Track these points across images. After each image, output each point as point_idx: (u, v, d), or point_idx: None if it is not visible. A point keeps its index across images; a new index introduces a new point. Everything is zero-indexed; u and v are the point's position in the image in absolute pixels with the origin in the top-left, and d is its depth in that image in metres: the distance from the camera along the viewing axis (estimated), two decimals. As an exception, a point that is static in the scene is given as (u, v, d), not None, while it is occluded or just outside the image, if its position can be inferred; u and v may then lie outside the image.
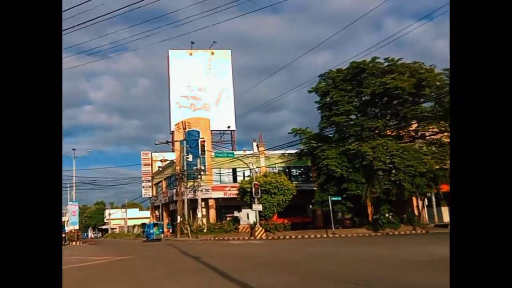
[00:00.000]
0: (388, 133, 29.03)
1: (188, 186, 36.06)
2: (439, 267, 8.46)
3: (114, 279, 9.64)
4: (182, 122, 39.11)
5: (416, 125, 29.23)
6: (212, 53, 49.19)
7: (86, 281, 9.52)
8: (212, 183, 37.63)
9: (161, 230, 36.41)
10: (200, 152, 34.41)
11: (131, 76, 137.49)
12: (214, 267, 10.25)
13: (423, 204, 31.21)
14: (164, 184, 46.95)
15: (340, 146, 27.85)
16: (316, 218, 37.92)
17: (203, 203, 36.56)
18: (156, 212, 51.51)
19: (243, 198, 31.03)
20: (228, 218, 35.84)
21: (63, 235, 37.43)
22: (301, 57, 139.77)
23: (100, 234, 79.57)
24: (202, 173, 35.85)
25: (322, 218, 34.82)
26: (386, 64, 28.49)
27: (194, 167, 35.24)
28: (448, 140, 23.56)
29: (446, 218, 29.73)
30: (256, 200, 28.21)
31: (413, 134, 30.17)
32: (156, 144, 38.73)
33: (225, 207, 37.74)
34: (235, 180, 38.06)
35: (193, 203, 36.30)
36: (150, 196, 52.38)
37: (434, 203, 32.01)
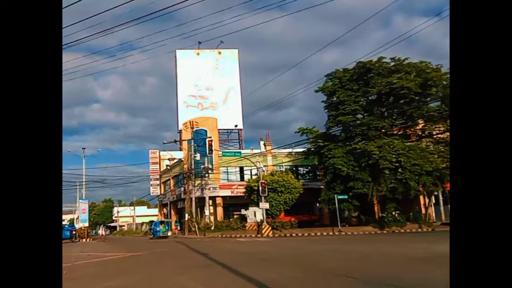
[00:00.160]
0: (395, 132, 29.20)
1: (196, 184, 36.51)
2: (434, 263, 8.84)
3: (129, 272, 10.11)
4: (190, 122, 39.55)
5: (422, 124, 29.37)
6: (219, 53, 49.54)
7: (103, 274, 10.03)
8: (219, 181, 38.08)
9: (167, 227, 36.96)
10: (207, 151, 34.83)
11: (139, 75, 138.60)
12: (221, 262, 10.65)
13: (429, 202, 31.30)
14: (172, 182, 47.50)
15: (346, 145, 28.07)
16: (323, 216, 38.18)
17: (210, 201, 36.99)
18: (164, 210, 52.14)
19: (250, 197, 31.43)
20: (235, 216, 36.26)
21: (74, 232, 38.15)
22: (310, 56, 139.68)
23: (108, 231, 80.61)
24: (209, 171, 36.26)
25: (329, 216, 35.06)
26: (392, 63, 28.59)
27: (202, 166, 35.66)
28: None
29: (453, 216, 29.75)
30: (263, 198, 28.55)
31: (420, 133, 30.28)
32: (164, 143, 39.31)
33: (233, 205, 38.17)
34: (242, 178, 38.45)
35: (200, 201, 36.75)
36: (158, 194, 53.03)
37: (441, 201, 32.11)
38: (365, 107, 29.90)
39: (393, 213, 28.42)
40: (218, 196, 37.89)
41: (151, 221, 47.95)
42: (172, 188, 47.04)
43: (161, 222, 37.85)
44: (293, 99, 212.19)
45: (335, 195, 27.53)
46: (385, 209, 28.86)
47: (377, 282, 6.91)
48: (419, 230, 26.60)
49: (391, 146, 25.85)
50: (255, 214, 31.18)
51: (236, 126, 47.57)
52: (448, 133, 27.81)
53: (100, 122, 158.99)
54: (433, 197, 31.47)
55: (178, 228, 41.29)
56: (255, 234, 28.43)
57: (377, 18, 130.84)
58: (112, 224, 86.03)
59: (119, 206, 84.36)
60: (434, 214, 31.87)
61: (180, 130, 44.08)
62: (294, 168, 39.35)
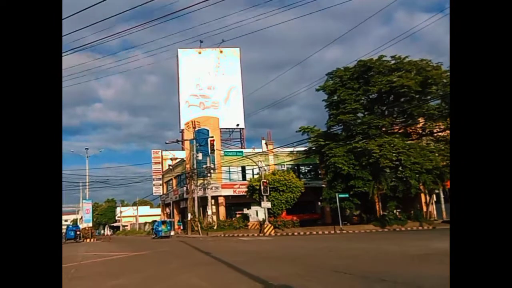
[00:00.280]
0: (396, 130, 29.39)
1: (198, 184, 36.78)
2: (430, 259, 9.12)
3: (135, 271, 10.39)
4: (192, 121, 39.80)
5: (423, 122, 29.55)
6: (221, 52, 49.69)
7: (111, 272, 10.33)
8: (221, 181, 38.35)
9: (169, 227, 37.29)
10: (209, 150, 35.09)
11: (140, 74, 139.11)
12: (224, 260, 10.91)
13: (430, 200, 31.50)
14: (174, 182, 47.79)
15: (347, 144, 28.29)
16: (325, 215, 38.41)
17: (213, 200, 37.26)
18: (167, 209, 52.45)
19: (252, 196, 31.69)
20: (237, 215, 36.52)
21: (78, 232, 38.50)
22: (312, 55, 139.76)
23: (111, 231, 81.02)
24: (211, 171, 36.52)
25: (330, 214, 35.29)
26: (393, 62, 28.79)
27: (204, 165, 35.92)
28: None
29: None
30: (265, 197, 28.80)
31: (420, 131, 30.45)
32: (166, 143, 39.61)
33: (235, 204, 38.44)
34: (244, 178, 38.70)
35: (203, 201, 37.03)
36: (161, 194, 53.34)
37: (442, 199, 32.31)
38: (366, 105, 30.10)
39: (394, 211, 28.64)
40: (220, 196, 38.17)
41: (154, 221, 48.29)
42: (174, 187, 47.34)
43: (163, 222, 38.24)
44: (295, 97, 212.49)
45: (336, 194, 27.76)
46: (386, 207, 29.08)
47: (373, 277, 7.15)
48: (420, 228, 26.83)
49: (392, 145, 26.05)
50: (257, 213, 31.43)
51: (237, 125, 47.77)
52: (448, 131, 27.98)
53: (102, 122, 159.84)
54: (434, 195, 31.66)
55: (181, 227, 41.59)
56: (257, 233, 28.68)
57: (380, 14, 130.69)
58: (115, 224, 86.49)
59: (122, 206, 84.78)
60: (435, 212, 32.09)
61: (182, 130, 44.34)
62: (295, 167, 39.60)
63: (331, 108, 30.62)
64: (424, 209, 31.82)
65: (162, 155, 53.03)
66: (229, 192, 38.12)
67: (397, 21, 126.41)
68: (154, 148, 54.01)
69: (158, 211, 67.01)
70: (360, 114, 29.98)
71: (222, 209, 38.32)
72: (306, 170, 41.07)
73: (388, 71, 28.57)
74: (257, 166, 33.06)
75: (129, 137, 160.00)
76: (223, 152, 36.14)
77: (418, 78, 27.26)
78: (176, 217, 46.31)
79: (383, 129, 28.65)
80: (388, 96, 29.51)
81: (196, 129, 38.68)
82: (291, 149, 38.11)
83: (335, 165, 27.75)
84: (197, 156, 35.98)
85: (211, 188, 36.92)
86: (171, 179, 49.00)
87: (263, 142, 41.66)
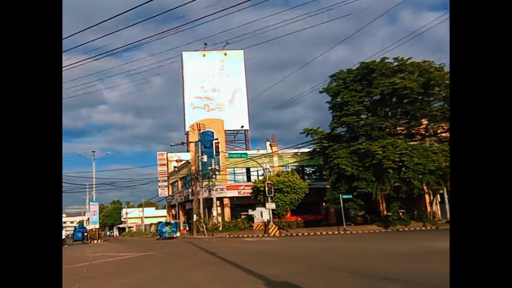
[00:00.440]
0: (399, 131, 29.60)
1: (203, 185, 37.12)
2: (430, 258, 9.42)
3: (143, 270, 10.78)
4: (197, 124, 40.19)
5: (426, 123, 29.74)
6: (225, 54, 50.12)
7: (120, 272, 10.71)
8: (226, 182, 38.70)
9: (173, 228, 37.73)
10: (214, 152, 35.45)
11: (145, 75, 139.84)
12: (229, 260, 11.26)
13: (432, 200, 31.65)
14: (179, 183, 48.20)
15: (350, 145, 28.53)
16: (329, 216, 38.63)
17: (218, 202, 37.58)
18: (173, 211, 52.84)
19: (257, 197, 31.98)
20: (242, 216, 36.79)
21: (85, 233, 39.05)
22: (318, 57, 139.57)
23: (117, 233, 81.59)
24: (216, 172, 36.86)
25: (335, 215, 35.52)
26: (395, 63, 29.02)
27: (209, 167, 36.26)
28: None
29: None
30: (269, 198, 29.08)
31: (424, 132, 30.63)
32: (172, 146, 40.03)
33: (240, 205, 38.75)
34: (249, 179, 39.03)
35: (208, 202, 37.37)
36: (167, 195, 53.79)
37: (446, 199, 32.42)
38: (369, 107, 30.34)
39: (398, 211, 28.82)
40: (226, 197, 38.52)
41: (159, 222, 48.76)
42: (180, 189, 47.74)
43: (167, 224, 38.91)
44: (301, 98, 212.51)
45: (340, 195, 28.01)
46: (390, 208, 29.29)
47: (374, 276, 7.43)
48: (423, 228, 26.99)
49: (394, 146, 26.28)
50: (262, 214, 31.70)
51: (242, 127, 48.13)
52: (451, 132, 28.14)
53: (107, 123, 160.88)
54: (438, 196, 31.81)
55: (187, 228, 41.95)
56: (262, 234, 28.96)
57: (385, 14, 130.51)
58: (121, 226, 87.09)
59: (128, 207, 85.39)
60: (439, 212, 32.20)
61: (187, 132, 44.73)
62: (300, 168, 39.88)
63: (334, 110, 30.90)
64: (428, 209, 31.96)
65: (167, 157, 53.51)
66: (234, 193, 38.46)
67: (403, 20, 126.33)
68: (159, 150, 54.66)
69: (163, 212, 67.52)
70: (363, 116, 30.22)
71: (227, 210, 38.67)
72: (311, 171, 41.32)
73: (391, 73, 28.81)
74: (261, 168, 33.35)
75: (133, 139, 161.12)
76: (227, 154, 36.44)
77: (421, 80, 27.47)
78: (182, 219, 46.69)
79: (386, 130, 28.90)
80: (391, 97, 29.73)
81: (201, 131, 39.06)
82: (296, 150, 38.39)
83: (339, 166, 28.03)
84: (202, 158, 36.33)
85: (216, 190, 37.24)
86: (177, 181, 49.42)
87: (268, 143, 41.99)
